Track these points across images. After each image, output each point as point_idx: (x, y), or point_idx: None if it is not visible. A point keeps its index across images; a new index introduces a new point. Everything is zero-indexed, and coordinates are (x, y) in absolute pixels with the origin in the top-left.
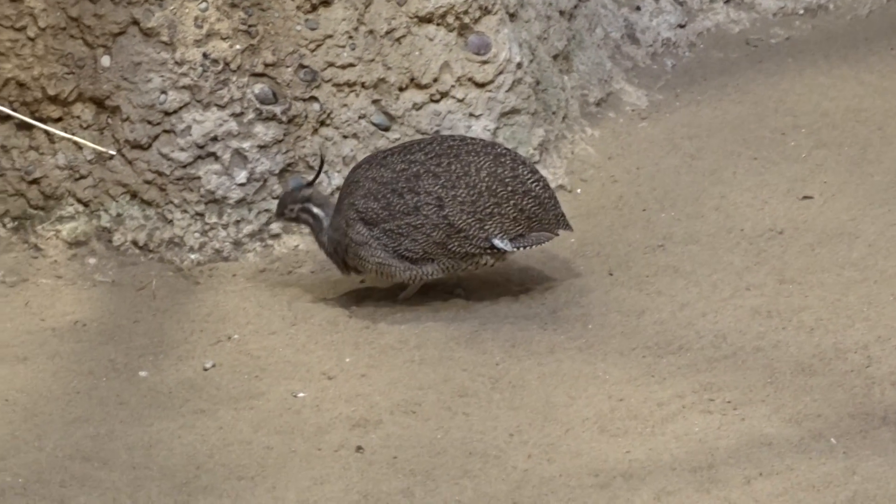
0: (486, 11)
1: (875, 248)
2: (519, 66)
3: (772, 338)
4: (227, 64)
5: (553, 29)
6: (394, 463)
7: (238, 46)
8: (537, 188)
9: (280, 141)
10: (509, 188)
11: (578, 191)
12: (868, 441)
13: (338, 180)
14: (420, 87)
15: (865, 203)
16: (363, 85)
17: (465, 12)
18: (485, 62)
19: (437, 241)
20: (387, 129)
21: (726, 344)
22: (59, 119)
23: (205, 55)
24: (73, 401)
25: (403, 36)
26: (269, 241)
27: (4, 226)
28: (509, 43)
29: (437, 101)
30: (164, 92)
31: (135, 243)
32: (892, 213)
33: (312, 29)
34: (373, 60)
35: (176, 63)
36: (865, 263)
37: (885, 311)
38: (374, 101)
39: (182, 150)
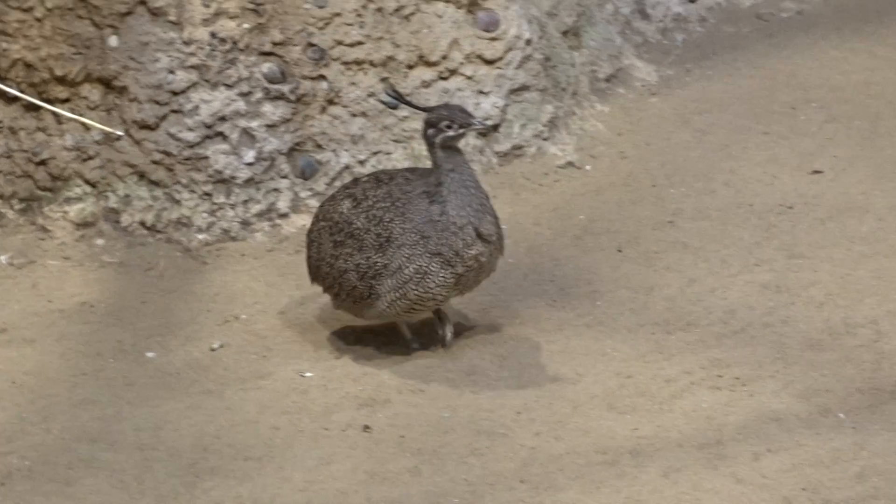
0: None
1: (885, 222)
2: (528, 42)
3: (781, 313)
4: (234, 43)
5: (562, 4)
6: (401, 442)
7: (246, 25)
8: None
9: (288, 120)
10: None
11: (588, 167)
12: (877, 416)
13: (346, 158)
14: (429, 64)
15: (876, 177)
16: (372, 63)
17: None
18: (494, 39)
19: None
20: (395, 107)
21: (735, 320)
22: (67, 100)
23: (212, 34)
24: (80, 382)
25: (412, 13)
26: (278, 221)
27: (12, 207)
28: (518, 19)
29: (445, 79)
30: (171, 72)
31: (142, 224)
32: None
33: (321, 7)
34: (381, 38)
35: (184, 42)
36: (875, 238)
37: (894, 285)
38: (383, 79)
39: (190, 129)
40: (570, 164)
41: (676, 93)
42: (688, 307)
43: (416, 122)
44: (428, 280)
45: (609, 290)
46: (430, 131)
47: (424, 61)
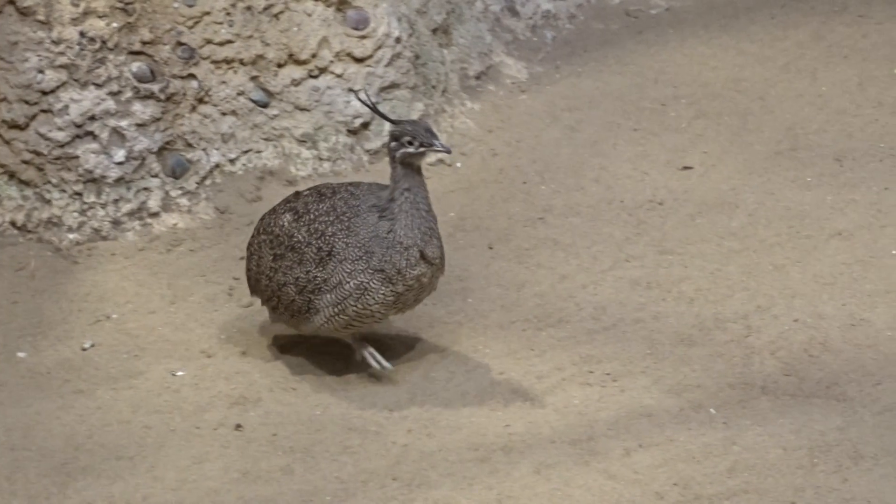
0: None
1: (755, 217)
2: (398, 40)
3: (651, 309)
4: (104, 42)
5: (432, 2)
6: (273, 440)
7: (115, 24)
8: None
9: (158, 119)
10: None
11: (458, 164)
12: (747, 411)
13: (216, 157)
14: (298, 62)
15: (745, 173)
16: (241, 62)
17: None
18: (363, 37)
19: None
20: (265, 105)
21: (606, 316)
22: None
23: (82, 34)
24: None
25: (281, 11)
26: (149, 220)
27: None
28: (388, 17)
29: (315, 77)
30: (41, 71)
31: (13, 224)
32: (771, 182)
33: (190, 6)
34: (251, 37)
35: (53, 42)
36: (745, 233)
37: (764, 280)
38: (253, 78)
39: (60, 129)
40: (441, 161)
41: (546, 90)
42: (559, 304)
43: (287, 121)
44: (368, 297)
45: (480, 287)
46: (393, 144)
47: (294, 60)
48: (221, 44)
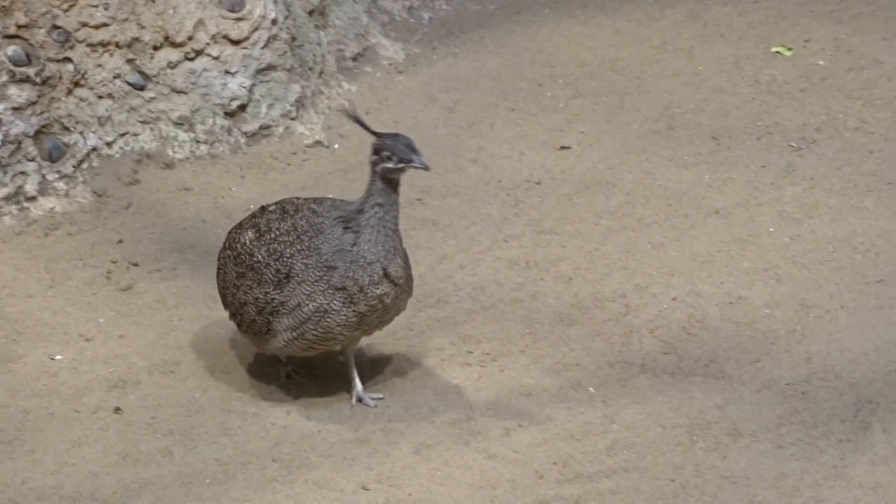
0: None
1: (632, 196)
2: (274, 22)
3: (530, 288)
4: None
5: None
6: (152, 423)
7: None
8: None
9: (34, 103)
10: None
11: (336, 146)
12: (626, 389)
13: (93, 140)
14: (175, 45)
15: (623, 152)
16: (117, 45)
17: None
18: (239, 19)
19: None
20: (142, 88)
21: (485, 296)
22: None
23: None
24: None
25: None
26: (26, 204)
27: None
28: None
29: (192, 60)
30: None
31: None
32: (649, 161)
33: None
34: (127, 20)
35: None
36: (623, 212)
37: (642, 259)
38: (129, 61)
39: None
40: (318, 143)
41: (423, 71)
42: (438, 284)
43: (163, 103)
44: (329, 318)
45: None
46: (374, 157)
47: (170, 42)
48: (97, 27)
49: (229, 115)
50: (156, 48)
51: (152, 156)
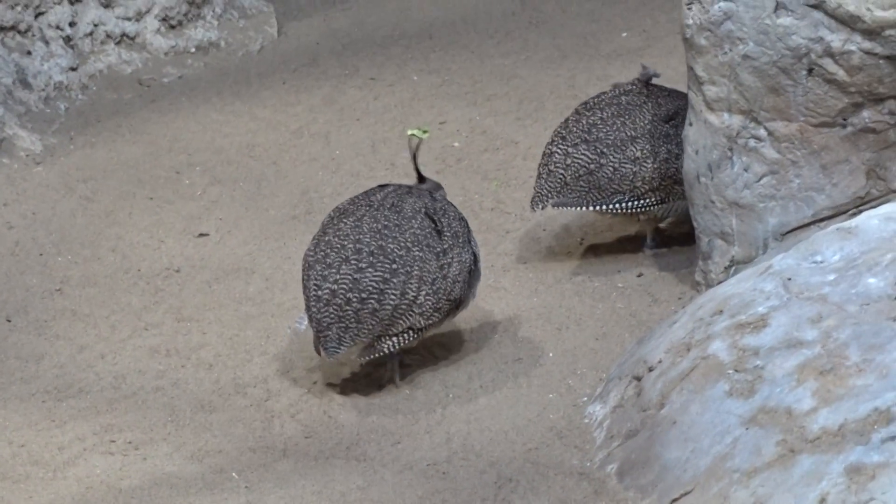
0: None
1: (272, 281)
2: None
3: (171, 376)
4: None
5: None
6: None
7: None
8: None
9: None
10: None
11: None
12: (269, 474)
13: None
14: None
15: (261, 238)
16: None
17: None
18: None
19: None
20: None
21: (126, 385)
22: None
23: None
24: None
25: None
26: None
27: None
28: None
29: None
30: None
31: None
32: (287, 246)
33: None
34: None
35: None
36: (262, 298)
37: (282, 344)
38: None
39: None
40: None
41: (61, 161)
42: (78, 374)
43: None
44: None
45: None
46: None
47: None
48: None
49: None
50: None
51: None
